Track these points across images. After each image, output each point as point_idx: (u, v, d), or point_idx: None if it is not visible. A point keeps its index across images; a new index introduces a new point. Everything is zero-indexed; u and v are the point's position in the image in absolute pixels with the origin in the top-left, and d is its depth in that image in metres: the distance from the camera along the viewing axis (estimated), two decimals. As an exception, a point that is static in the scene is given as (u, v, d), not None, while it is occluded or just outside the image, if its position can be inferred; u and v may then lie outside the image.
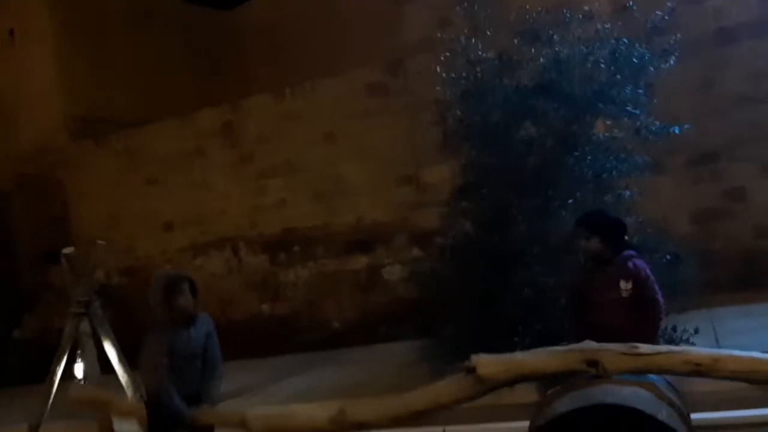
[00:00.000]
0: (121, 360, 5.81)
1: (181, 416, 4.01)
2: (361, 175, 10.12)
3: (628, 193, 6.17)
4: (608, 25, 6.26)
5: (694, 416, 3.30)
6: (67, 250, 5.89)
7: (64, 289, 6.12)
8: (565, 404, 2.95)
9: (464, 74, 6.40)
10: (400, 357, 7.31)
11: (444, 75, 6.48)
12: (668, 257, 5.89)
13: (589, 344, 3.16)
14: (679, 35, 6.15)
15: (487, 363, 3.19)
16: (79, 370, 6.35)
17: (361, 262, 10.28)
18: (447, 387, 3.35)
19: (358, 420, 3.58)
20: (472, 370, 3.19)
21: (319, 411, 3.79)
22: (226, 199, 11.29)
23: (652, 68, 6.04)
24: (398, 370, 7.01)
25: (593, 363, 3.03)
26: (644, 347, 3.07)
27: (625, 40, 6.08)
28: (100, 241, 6.01)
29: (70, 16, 13.09)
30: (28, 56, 13.29)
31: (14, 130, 13.42)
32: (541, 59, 6.21)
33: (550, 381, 3.39)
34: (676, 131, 6.16)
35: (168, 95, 13.06)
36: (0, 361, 12.08)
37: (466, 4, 6.42)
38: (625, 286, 3.74)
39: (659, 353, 3.05)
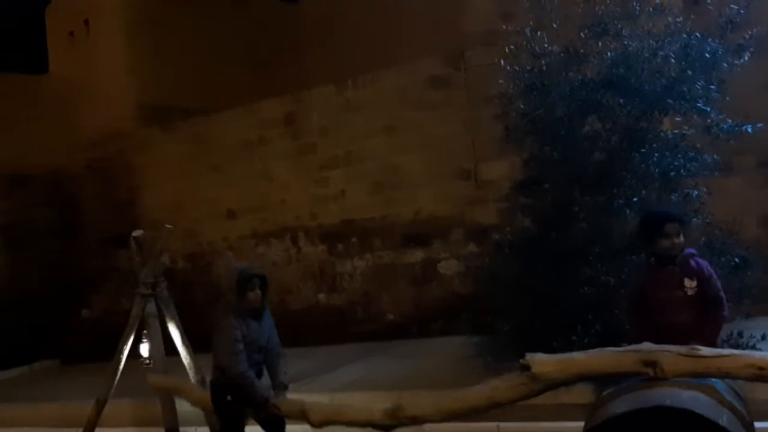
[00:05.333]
0: (183, 341, 5.98)
1: (264, 399, 4.19)
2: (419, 169, 10.08)
3: (695, 192, 5.99)
4: (680, 19, 6.08)
5: (758, 425, 3.20)
6: (136, 233, 6.09)
7: (131, 271, 6.32)
8: (620, 406, 2.90)
9: (528, 67, 6.31)
10: (455, 351, 7.30)
11: (507, 68, 6.40)
12: (735, 261, 5.72)
13: (648, 345, 3.09)
14: (755, 30, 5.92)
15: (542, 362, 3.17)
16: (144, 349, 6.60)
17: (417, 255, 10.26)
18: (503, 384, 3.34)
19: (414, 414, 3.62)
20: (527, 369, 3.18)
21: (376, 403, 3.84)
22: (286, 190, 11.44)
23: (725, 64, 5.84)
24: (453, 364, 7.01)
25: (651, 364, 2.97)
26: (705, 350, 2.99)
27: (698, 35, 5.88)
28: (168, 225, 6.17)
29: (141, 7, 13.50)
30: (101, 46, 13.79)
31: (86, 116, 13.94)
32: (609, 53, 6.07)
33: (607, 382, 3.34)
34: (749, 130, 5.94)
35: (233, 85, 13.32)
36: (69, 339, 12.60)
37: (531, -5, 6.32)
38: (689, 284, 3.65)
39: (721, 356, 2.96)
